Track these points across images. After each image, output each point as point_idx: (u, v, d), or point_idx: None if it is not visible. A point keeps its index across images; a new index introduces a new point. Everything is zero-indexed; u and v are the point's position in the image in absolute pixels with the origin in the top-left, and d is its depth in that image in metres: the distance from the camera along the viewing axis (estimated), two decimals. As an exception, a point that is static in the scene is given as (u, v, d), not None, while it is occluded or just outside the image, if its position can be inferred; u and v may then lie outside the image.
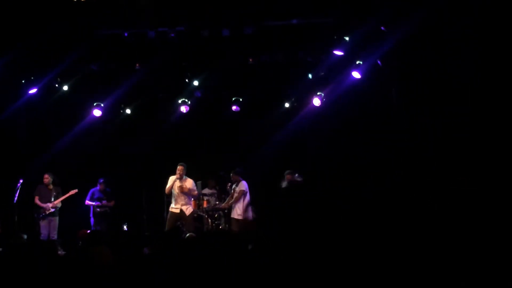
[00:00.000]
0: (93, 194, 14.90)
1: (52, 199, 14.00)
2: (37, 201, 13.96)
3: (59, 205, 14.11)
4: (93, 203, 14.76)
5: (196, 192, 13.70)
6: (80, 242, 8.78)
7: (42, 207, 13.91)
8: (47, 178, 14.12)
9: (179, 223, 13.42)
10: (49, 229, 13.91)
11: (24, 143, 15.14)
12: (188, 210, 13.48)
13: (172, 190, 13.39)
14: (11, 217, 13.53)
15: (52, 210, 13.95)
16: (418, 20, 10.65)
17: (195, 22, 12.22)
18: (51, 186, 14.14)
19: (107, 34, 12.81)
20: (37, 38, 12.37)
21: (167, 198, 15.01)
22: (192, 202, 14.12)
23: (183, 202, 13.40)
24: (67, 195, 14.13)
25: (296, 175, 13.74)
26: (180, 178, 13.31)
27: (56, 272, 5.61)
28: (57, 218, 14.09)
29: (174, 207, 13.42)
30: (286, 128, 15.70)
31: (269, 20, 12.25)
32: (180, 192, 13.32)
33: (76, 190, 14.18)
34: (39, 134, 15.43)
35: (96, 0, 11.44)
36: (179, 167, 13.34)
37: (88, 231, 11.48)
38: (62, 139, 15.52)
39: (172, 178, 13.41)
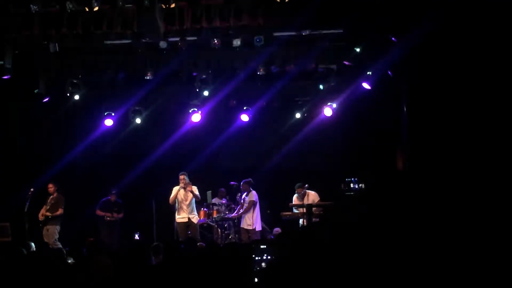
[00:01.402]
0: (104, 204, 14.92)
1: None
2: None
3: (56, 213, 13.99)
4: (104, 214, 14.78)
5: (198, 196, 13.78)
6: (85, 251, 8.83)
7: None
8: (51, 188, 14.11)
9: (189, 232, 13.45)
10: (47, 237, 13.81)
11: (35, 152, 15.19)
12: (195, 219, 13.63)
13: (177, 200, 13.52)
14: (22, 226, 13.60)
15: (41, 218, 13.92)
16: (426, 28, 10.62)
17: (206, 32, 12.24)
18: (55, 194, 14.11)
19: (118, 43, 12.86)
20: (49, 47, 12.44)
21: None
22: (202, 212, 14.23)
23: (189, 211, 13.54)
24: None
25: (306, 185, 13.74)
26: (184, 188, 13.46)
27: (61, 280, 5.63)
28: (54, 227, 13.91)
29: (181, 217, 13.56)
30: (297, 138, 15.66)
31: (280, 30, 12.25)
32: (185, 201, 13.49)
33: (54, 201, 14.07)
34: (50, 143, 15.46)
35: (108, 10, 11.50)
36: (181, 177, 13.56)
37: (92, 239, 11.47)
38: (73, 149, 15.58)
39: (175, 188, 13.57)
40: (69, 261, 8.86)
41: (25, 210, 13.64)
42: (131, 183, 15.71)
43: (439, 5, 10.43)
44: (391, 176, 13.36)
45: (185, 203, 13.54)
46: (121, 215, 14.91)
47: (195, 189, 13.62)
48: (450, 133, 11.45)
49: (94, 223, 14.91)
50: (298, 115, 15.72)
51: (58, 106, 14.92)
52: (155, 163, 16.00)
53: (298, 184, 13.80)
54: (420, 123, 12.26)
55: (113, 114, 15.21)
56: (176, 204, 13.61)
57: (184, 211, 13.53)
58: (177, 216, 13.63)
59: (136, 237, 14.72)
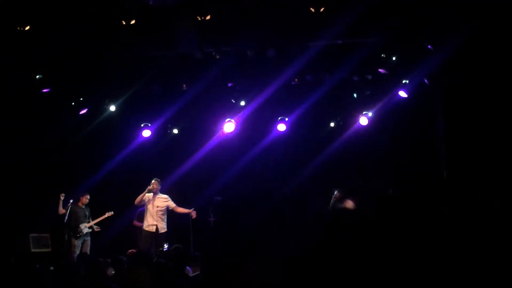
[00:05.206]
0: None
1: (86, 220, 14.08)
2: (74, 221, 13.94)
3: (95, 226, 14.20)
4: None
5: (172, 204, 13.70)
6: (128, 262, 8.86)
7: (78, 228, 13.91)
8: (88, 199, 14.23)
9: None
10: (82, 249, 13.85)
11: (74, 163, 15.34)
12: (162, 229, 13.51)
13: (146, 207, 13.52)
14: (61, 237, 13.75)
15: (89, 230, 14.05)
16: (464, 37, 10.52)
17: (241, 43, 12.28)
18: (84, 207, 14.27)
19: (154, 55, 12.97)
20: (86, 60, 12.62)
21: (212, 217, 15.14)
22: None
23: (159, 219, 13.45)
24: (103, 217, 14.18)
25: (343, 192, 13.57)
26: (155, 193, 13.46)
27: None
28: (89, 239, 14.08)
29: (148, 225, 13.44)
30: (332, 148, 15.58)
31: (314, 40, 12.23)
32: (154, 208, 13.45)
33: (111, 213, 14.26)
34: (88, 154, 15.60)
35: (144, 22, 11.60)
36: (153, 182, 13.46)
37: (134, 251, 11.54)
38: (110, 159, 15.70)
39: (145, 192, 13.50)
40: (109, 272, 8.95)
41: (65, 221, 13.74)
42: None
43: (476, 15, 10.33)
44: (428, 184, 13.23)
45: (154, 210, 13.42)
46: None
47: (162, 198, 13.58)
48: (487, 141, 11.32)
49: (131, 233, 14.98)
50: (332, 124, 15.66)
51: (95, 117, 15.08)
52: (191, 173, 16.04)
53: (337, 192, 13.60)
54: (457, 132, 12.15)
55: (149, 125, 15.38)
56: (146, 211, 13.54)
57: (152, 218, 13.41)
58: (144, 224, 13.55)
59: (165, 247, 14.57)
